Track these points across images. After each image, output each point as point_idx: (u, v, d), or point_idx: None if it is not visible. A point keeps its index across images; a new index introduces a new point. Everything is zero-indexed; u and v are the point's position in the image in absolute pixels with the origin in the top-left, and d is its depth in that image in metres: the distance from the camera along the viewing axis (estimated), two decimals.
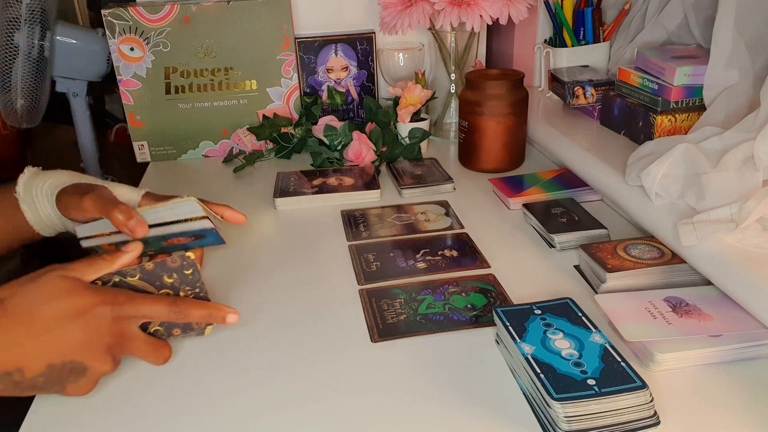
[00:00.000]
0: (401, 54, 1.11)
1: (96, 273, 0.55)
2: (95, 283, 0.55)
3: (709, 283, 0.62)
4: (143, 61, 1.02)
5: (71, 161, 1.33)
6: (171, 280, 0.57)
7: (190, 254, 0.57)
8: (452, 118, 1.13)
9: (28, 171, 0.68)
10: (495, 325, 0.59)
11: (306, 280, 0.71)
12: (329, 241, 0.80)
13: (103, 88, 1.55)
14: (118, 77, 1.03)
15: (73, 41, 1.16)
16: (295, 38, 1.08)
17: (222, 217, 0.67)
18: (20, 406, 0.54)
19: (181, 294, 0.58)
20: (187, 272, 0.57)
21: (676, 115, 0.80)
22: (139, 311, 0.53)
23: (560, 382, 0.48)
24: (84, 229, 0.62)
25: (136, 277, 0.56)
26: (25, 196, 0.66)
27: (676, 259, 0.66)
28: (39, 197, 0.66)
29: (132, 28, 1.00)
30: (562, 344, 0.53)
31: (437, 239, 0.79)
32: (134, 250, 0.58)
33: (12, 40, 1.07)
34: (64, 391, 0.52)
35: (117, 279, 0.56)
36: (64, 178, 0.66)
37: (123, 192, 0.66)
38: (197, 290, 0.58)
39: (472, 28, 0.96)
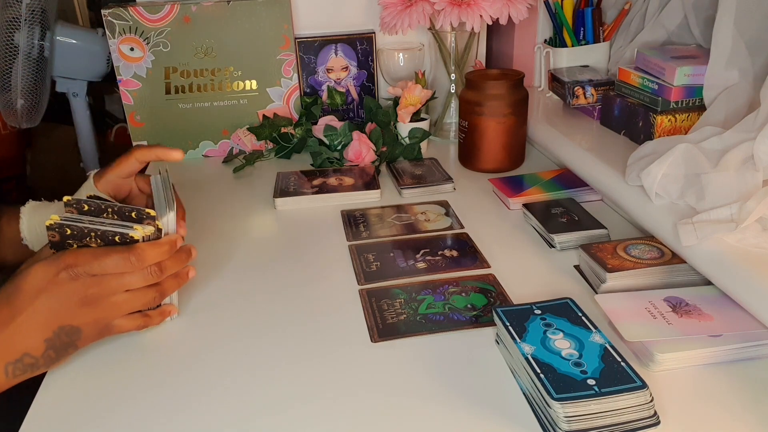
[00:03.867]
0: (401, 54, 1.11)
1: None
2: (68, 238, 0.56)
3: (709, 283, 0.62)
4: (143, 61, 1.02)
5: (71, 161, 1.33)
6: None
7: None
8: (452, 118, 1.13)
9: (25, 211, 0.72)
10: (495, 325, 0.59)
11: (306, 280, 0.71)
12: (329, 241, 0.80)
13: (103, 88, 1.56)
14: (118, 77, 1.03)
15: (73, 41, 1.16)
16: (295, 38, 1.08)
17: (159, 159, 0.71)
18: (20, 406, 0.54)
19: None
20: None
21: (676, 115, 0.80)
22: (95, 262, 0.54)
23: (560, 382, 0.48)
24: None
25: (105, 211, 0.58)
26: (31, 238, 0.72)
27: (676, 259, 0.66)
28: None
29: (132, 28, 1.00)
30: (562, 344, 0.53)
31: (437, 239, 0.79)
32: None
33: (12, 40, 1.07)
34: (78, 345, 0.55)
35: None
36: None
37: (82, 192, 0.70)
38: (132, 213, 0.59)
39: (472, 28, 0.96)
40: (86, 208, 0.59)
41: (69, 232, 0.56)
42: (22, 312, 0.52)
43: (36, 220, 0.72)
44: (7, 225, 0.73)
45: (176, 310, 0.63)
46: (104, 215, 0.59)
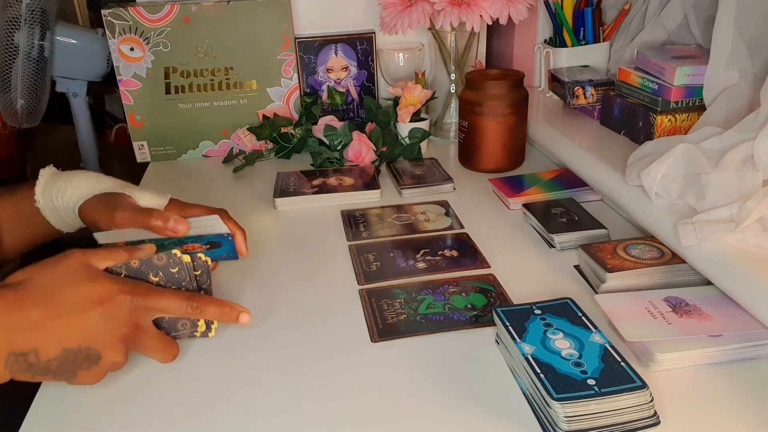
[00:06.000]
0: (401, 54, 1.11)
1: (114, 262, 0.55)
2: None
3: (709, 283, 0.62)
4: (143, 61, 1.02)
5: (71, 161, 1.33)
6: (156, 279, 0.57)
7: (176, 251, 0.56)
8: (452, 118, 1.13)
9: (44, 175, 0.68)
10: (495, 325, 0.59)
11: (306, 280, 0.71)
12: (329, 241, 0.80)
13: (103, 88, 1.55)
14: (118, 77, 1.03)
15: (73, 41, 1.16)
16: (295, 38, 1.08)
17: (232, 237, 0.68)
18: (19, 407, 0.54)
19: None
20: (173, 270, 0.56)
21: (676, 115, 0.80)
22: (157, 303, 0.54)
23: (560, 382, 0.48)
24: (106, 237, 0.63)
25: (122, 275, 0.56)
26: (45, 204, 0.67)
27: (676, 259, 0.66)
28: (60, 206, 0.67)
29: (132, 28, 1.00)
30: (562, 344, 0.53)
31: (437, 239, 0.79)
32: (150, 248, 0.58)
33: (12, 40, 1.07)
34: (75, 379, 0.51)
35: None
36: (83, 188, 0.66)
37: (149, 199, 0.67)
38: (185, 288, 0.58)
39: (472, 28, 0.96)
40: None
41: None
42: (70, 315, 0.49)
43: (51, 185, 0.68)
44: (12, 214, 0.69)
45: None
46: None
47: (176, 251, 0.56)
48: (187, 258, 0.57)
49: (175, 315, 0.55)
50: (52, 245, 0.71)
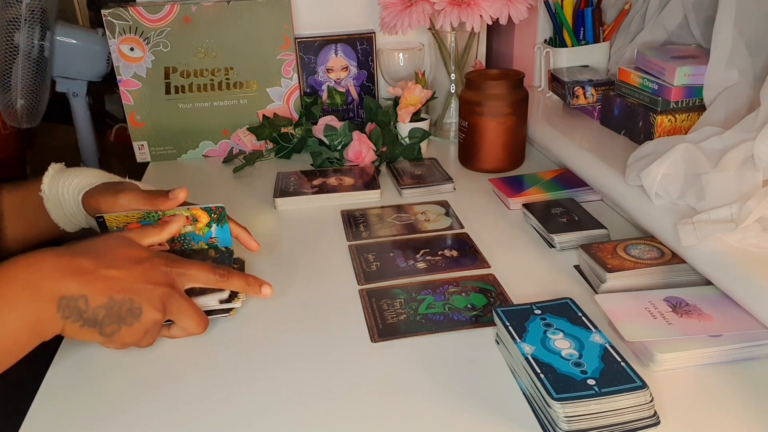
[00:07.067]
0: (401, 54, 1.11)
1: (149, 239, 0.61)
2: None
3: (709, 283, 0.62)
4: (143, 61, 1.02)
5: (71, 161, 1.33)
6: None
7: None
8: (452, 118, 1.13)
9: (53, 168, 0.71)
10: (495, 325, 0.59)
11: (306, 280, 0.71)
12: (329, 241, 0.80)
13: (103, 88, 1.55)
14: (118, 77, 1.03)
15: (73, 41, 1.16)
16: (295, 38, 1.08)
17: (236, 238, 0.70)
18: (19, 407, 0.54)
19: None
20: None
21: (676, 115, 0.80)
22: (188, 270, 0.58)
23: (560, 382, 0.48)
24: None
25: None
26: (50, 195, 0.69)
27: (676, 259, 0.66)
28: (65, 196, 0.69)
29: (132, 28, 1.00)
30: (562, 344, 0.53)
31: (437, 239, 0.79)
32: (178, 220, 0.64)
33: (12, 40, 1.07)
34: (117, 333, 0.54)
35: None
36: (89, 178, 0.69)
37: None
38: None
39: (472, 28, 0.96)
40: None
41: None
42: (116, 267, 0.54)
43: (58, 177, 0.70)
44: (18, 207, 0.71)
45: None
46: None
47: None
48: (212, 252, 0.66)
49: (203, 283, 0.60)
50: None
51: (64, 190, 0.68)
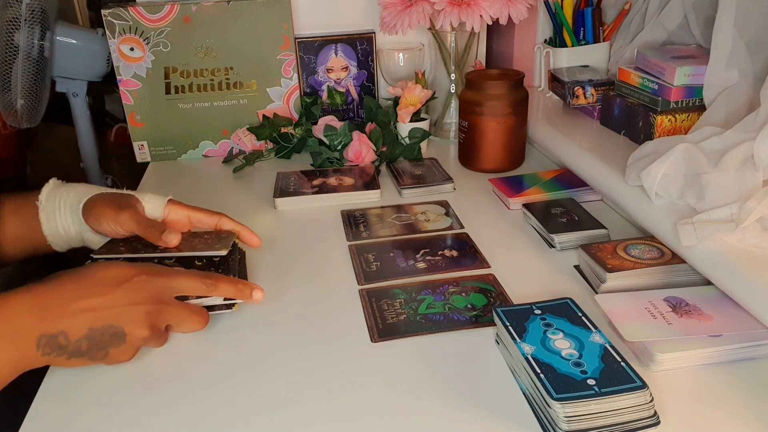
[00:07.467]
0: (401, 54, 1.11)
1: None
2: None
3: (709, 283, 0.62)
4: (143, 61, 1.02)
5: (71, 161, 1.33)
6: (200, 263, 0.64)
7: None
8: (452, 118, 1.13)
9: (53, 181, 0.71)
10: (495, 325, 0.59)
11: (306, 280, 0.71)
12: (329, 241, 0.80)
13: (103, 88, 1.56)
14: (118, 77, 1.03)
15: (73, 41, 1.16)
16: (295, 38, 1.08)
17: (238, 238, 0.70)
18: (20, 407, 0.54)
19: None
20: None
21: (676, 115, 0.80)
22: (174, 281, 0.57)
23: (560, 382, 0.48)
24: (101, 252, 0.66)
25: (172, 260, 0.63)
26: (46, 205, 0.69)
27: (676, 259, 0.66)
28: (62, 207, 0.68)
29: (132, 28, 1.00)
30: (562, 344, 0.53)
31: (437, 239, 0.79)
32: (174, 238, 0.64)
33: (12, 40, 1.07)
34: (107, 357, 0.54)
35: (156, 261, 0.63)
36: (89, 190, 0.69)
37: (150, 198, 0.70)
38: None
39: (472, 28, 0.96)
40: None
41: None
42: (92, 297, 0.53)
43: (57, 188, 0.70)
44: (13, 215, 0.71)
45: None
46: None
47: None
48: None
49: (191, 292, 0.59)
50: (52, 262, 0.72)
51: (61, 200, 0.68)
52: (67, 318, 0.52)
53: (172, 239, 0.64)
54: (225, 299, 0.61)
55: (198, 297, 0.60)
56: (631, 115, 0.86)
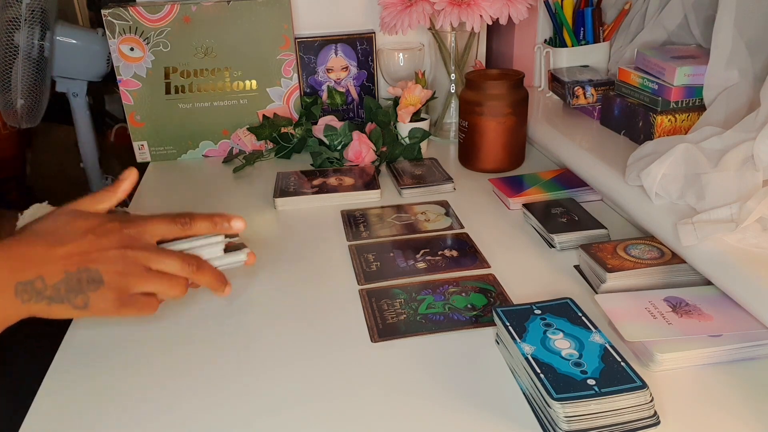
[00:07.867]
0: (401, 54, 1.11)
1: (104, 203, 0.58)
2: None
3: (709, 283, 0.62)
4: (143, 61, 1.02)
5: (71, 161, 1.34)
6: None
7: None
8: (452, 118, 1.13)
9: (39, 204, 0.71)
10: (495, 325, 0.59)
11: (306, 280, 0.71)
12: (329, 241, 0.80)
13: (103, 88, 1.56)
14: (118, 77, 1.03)
15: (73, 41, 1.16)
16: (295, 38, 1.08)
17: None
18: (20, 405, 0.54)
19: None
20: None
21: (676, 115, 0.80)
22: (145, 226, 0.56)
23: (560, 382, 0.48)
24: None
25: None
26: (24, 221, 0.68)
27: (676, 259, 0.66)
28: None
29: (132, 28, 1.00)
30: (562, 344, 0.53)
31: (437, 239, 0.79)
32: (131, 176, 0.61)
33: (12, 40, 1.07)
34: (90, 305, 0.53)
35: None
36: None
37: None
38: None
39: (472, 28, 0.96)
40: None
41: None
42: (66, 242, 0.52)
43: (40, 210, 0.71)
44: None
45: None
46: None
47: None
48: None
49: (165, 235, 0.57)
50: None
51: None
52: (43, 264, 0.52)
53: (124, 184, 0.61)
54: (226, 250, 0.59)
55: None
56: (631, 115, 0.86)
